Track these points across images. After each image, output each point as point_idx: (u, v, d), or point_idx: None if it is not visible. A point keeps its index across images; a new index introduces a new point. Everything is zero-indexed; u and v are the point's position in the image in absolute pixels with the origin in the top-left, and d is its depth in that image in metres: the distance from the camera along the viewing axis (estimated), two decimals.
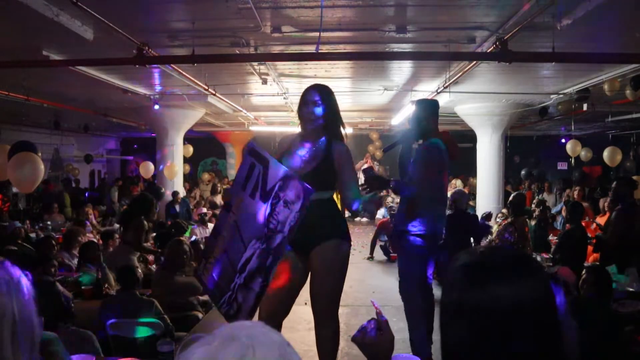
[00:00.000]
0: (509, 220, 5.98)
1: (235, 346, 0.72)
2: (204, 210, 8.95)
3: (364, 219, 13.42)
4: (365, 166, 12.85)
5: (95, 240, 6.41)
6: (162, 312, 3.78)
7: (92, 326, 3.21)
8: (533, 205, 7.76)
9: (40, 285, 2.95)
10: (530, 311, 0.90)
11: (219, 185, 13.33)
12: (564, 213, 7.69)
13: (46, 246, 5.49)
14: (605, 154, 9.49)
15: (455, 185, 11.61)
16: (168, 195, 10.08)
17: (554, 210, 9.30)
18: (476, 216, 6.61)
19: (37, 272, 4.32)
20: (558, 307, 0.95)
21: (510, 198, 6.18)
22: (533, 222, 6.85)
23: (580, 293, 3.30)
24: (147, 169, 10.92)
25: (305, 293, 5.94)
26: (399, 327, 4.35)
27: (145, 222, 5.73)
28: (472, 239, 5.98)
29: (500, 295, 0.91)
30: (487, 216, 7.46)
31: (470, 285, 0.95)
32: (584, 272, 3.40)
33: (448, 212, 6.24)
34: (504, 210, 7.99)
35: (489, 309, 0.90)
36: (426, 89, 7.83)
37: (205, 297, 4.93)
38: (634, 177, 6.77)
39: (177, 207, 10.18)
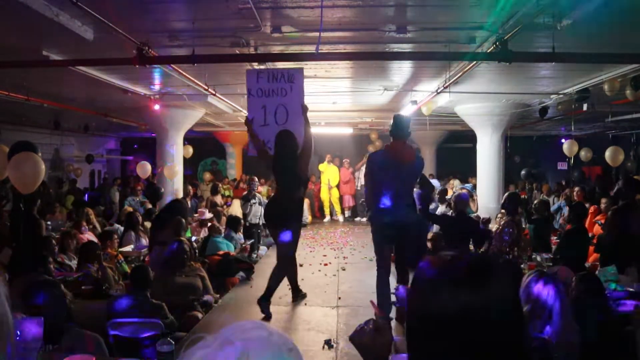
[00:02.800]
0: (507, 219, 5.97)
1: (230, 351, 0.72)
2: (207, 215, 8.98)
3: (364, 219, 13.42)
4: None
5: (95, 240, 6.41)
6: (169, 317, 3.78)
7: (94, 326, 3.21)
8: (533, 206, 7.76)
9: (46, 287, 2.95)
10: (489, 320, 0.88)
11: (219, 185, 13.32)
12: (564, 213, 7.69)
13: (46, 246, 5.49)
14: (607, 154, 9.48)
15: (454, 185, 11.57)
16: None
17: (552, 209, 9.30)
18: (476, 220, 6.60)
19: (38, 273, 4.33)
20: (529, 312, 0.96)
21: (504, 198, 6.16)
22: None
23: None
24: (144, 169, 10.91)
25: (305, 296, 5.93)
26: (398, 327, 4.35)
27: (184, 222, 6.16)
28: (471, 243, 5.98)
29: (457, 305, 0.89)
30: (487, 221, 7.44)
31: (424, 297, 0.94)
32: (573, 279, 3.35)
33: (450, 214, 6.26)
34: (503, 211, 7.98)
35: (445, 320, 0.89)
36: (426, 89, 7.82)
37: (206, 298, 4.93)
38: (635, 177, 6.77)
39: (189, 202, 10.31)
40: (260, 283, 6.39)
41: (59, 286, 3.04)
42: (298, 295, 5.68)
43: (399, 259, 4.88)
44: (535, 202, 7.98)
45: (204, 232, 8.05)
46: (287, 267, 5.38)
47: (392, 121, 4.76)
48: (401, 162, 4.57)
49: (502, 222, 6.00)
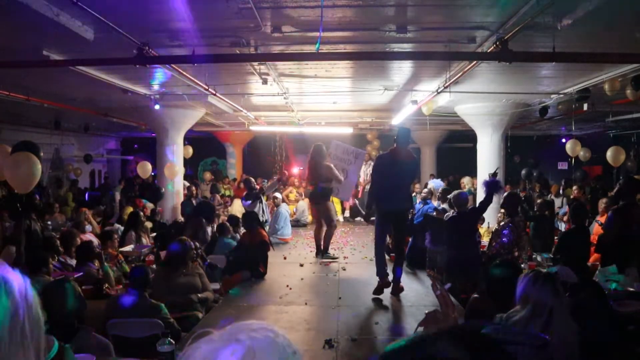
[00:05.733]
0: (506, 220, 5.96)
1: (236, 347, 0.73)
2: None
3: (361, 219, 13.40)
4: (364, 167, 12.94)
5: (94, 240, 6.40)
6: (169, 317, 3.77)
7: (93, 326, 3.21)
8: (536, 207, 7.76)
9: (64, 287, 2.96)
10: None
11: (220, 185, 13.33)
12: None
13: (51, 246, 5.52)
14: (609, 153, 9.47)
15: (464, 183, 11.56)
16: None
17: (561, 212, 9.31)
18: (474, 208, 6.61)
19: (42, 273, 4.34)
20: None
21: (503, 199, 6.11)
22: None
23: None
24: (145, 168, 10.91)
25: (305, 295, 5.96)
26: (410, 327, 4.34)
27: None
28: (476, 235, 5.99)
29: None
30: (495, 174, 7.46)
31: None
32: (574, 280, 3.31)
33: (452, 214, 6.29)
34: (503, 210, 7.97)
35: None
36: (426, 88, 7.82)
37: (205, 295, 4.91)
38: (635, 177, 6.77)
39: (195, 202, 10.34)
40: (261, 283, 6.40)
41: (75, 286, 3.06)
42: (324, 255, 7.89)
43: (397, 240, 6.02)
44: (539, 201, 7.99)
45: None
46: (333, 228, 8.14)
47: (397, 131, 6.04)
48: (402, 162, 5.73)
49: (501, 223, 5.99)
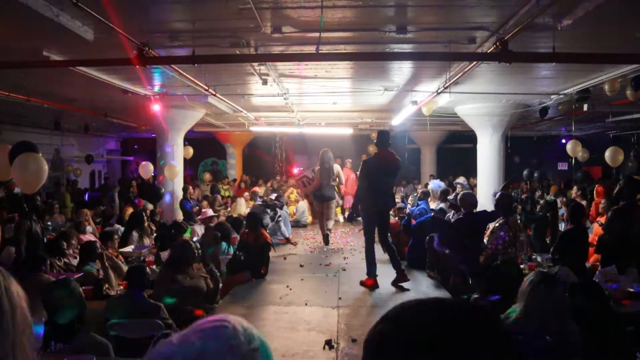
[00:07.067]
0: (501, 220, 5.95)
1: (186, 349, 0.73)
2: (210, 212, 8.95)
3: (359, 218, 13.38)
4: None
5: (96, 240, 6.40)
6: (168, 317, 3.76)
7: (95, 326, 3.21)
8: (538, 207, 7.76)
9: (65, 287, 2.96)
10: None
11: (220, 186, 13.33)
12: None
13: (57, 249, 5.52)
14: (607, 154, 9.47)
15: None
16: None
17: (560, 212, 9.30)
18: (487, 212, 6.59)
19: (41, 272, 4.34)
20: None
21: (496, 199, 6.10)
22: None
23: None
24: (147, 169, 10.91)
25: (306, 295, 5.95)
26: None
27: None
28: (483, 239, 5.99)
29: None
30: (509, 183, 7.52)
31: None
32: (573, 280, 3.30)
33: (458, 215, 6.32)
34: None
35: None
36: (426, 89, 7.82)
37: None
38: (635, 177, 6.76)
39: (191, 202, 10.37)
40: (262, 284, 6.40)
41: (77, 287, 3.06)
42: (328, 241, 9.22)
43: (382, 235, 6.33)
44: (542, 202, 7.97)
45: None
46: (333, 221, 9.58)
47: (377, 135, 6.42)
48: (387, 165, 6.16)
49: (496, 224, 5.96)
